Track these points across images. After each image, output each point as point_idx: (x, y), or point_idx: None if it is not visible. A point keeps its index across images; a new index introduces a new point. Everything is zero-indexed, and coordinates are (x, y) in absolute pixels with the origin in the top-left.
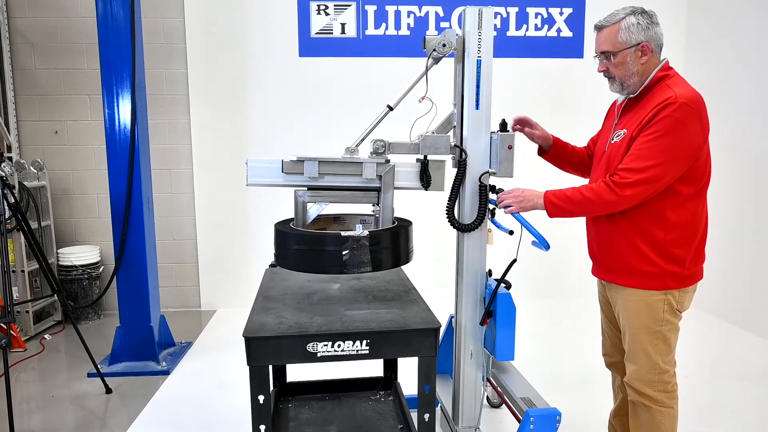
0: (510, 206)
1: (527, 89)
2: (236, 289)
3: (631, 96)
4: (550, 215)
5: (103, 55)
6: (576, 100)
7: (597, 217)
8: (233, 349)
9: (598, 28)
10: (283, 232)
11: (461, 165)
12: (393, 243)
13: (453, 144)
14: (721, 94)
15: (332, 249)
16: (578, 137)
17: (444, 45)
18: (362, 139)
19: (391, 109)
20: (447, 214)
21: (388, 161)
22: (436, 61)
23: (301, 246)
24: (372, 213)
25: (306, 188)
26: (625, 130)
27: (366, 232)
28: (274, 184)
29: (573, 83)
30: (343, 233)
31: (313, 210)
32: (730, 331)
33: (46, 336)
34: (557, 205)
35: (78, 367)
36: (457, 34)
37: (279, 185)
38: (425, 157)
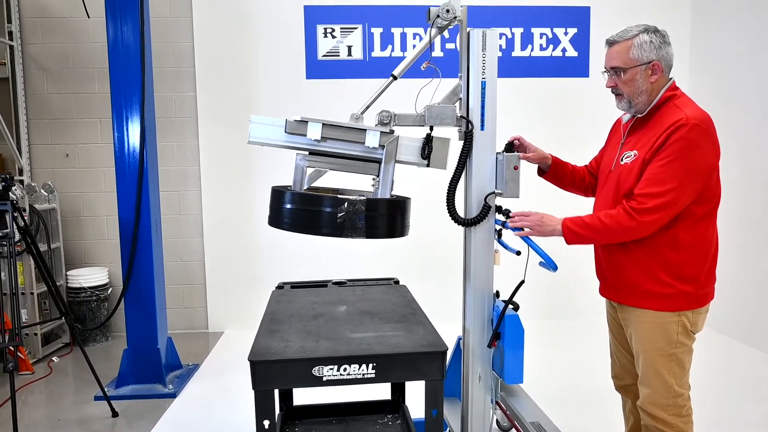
0: (527, 230)
1: (533, 109)
2: (244, 311)
3: (639, 115)
4: (568, 242)
5: (113, 79)
6: (582, 119)
7: None
8: (240, 372)
9: (610, 43)
10: (280, 191)
11: (468, 136)
12: (389, 212)
13: (459, 115)
14: (726, 112)
15: (328, 210)
16: (584, 156)
17: (448, 11)
18: (367, 107)
19: (395, 78)
20: (447, 204)
21: (392, 132)
22: (440, 30)
23: (297, 206)
24: (371, 187)
25: (307, 152)
26: (635, 151)
27: (363, 198)
28: (276, 143)
29: (579, 102)
30: (340, 196)
31: (308, 172)
32: (741, 351)
33: (54, 358)
34: (575, 232)
35: (85, 390)
36: (462, 5)
37: (280, 145)
38: (431, 128)
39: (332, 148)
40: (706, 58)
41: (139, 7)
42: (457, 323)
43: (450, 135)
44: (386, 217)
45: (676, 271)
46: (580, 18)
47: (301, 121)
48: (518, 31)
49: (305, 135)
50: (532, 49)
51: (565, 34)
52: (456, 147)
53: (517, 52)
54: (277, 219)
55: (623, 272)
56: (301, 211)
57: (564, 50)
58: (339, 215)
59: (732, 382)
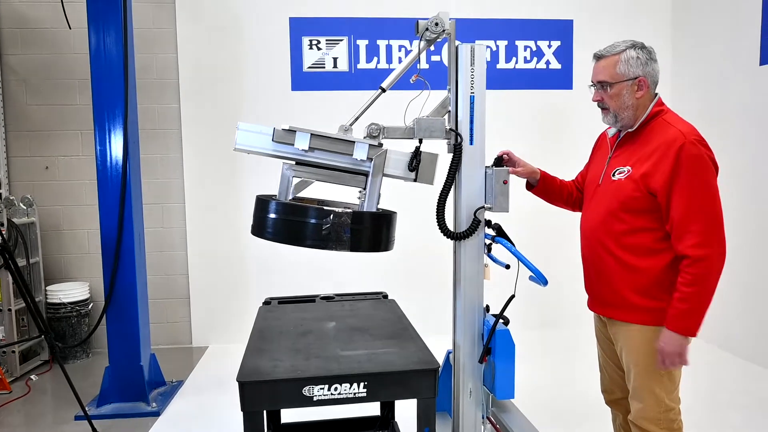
0: (677, 362)
1: (517, 121)
2: (228, 325)
3: (630, 130)
4: (696, 330)
5: (96, 91)
6: (565, 131)
7: (596, 252)
8: (226, 388)
9: (597, 57)
10: (264, 200)
11: (457, 149)
12: (374, 226)
13: (448, 128)
14: (708, 125)
15: (313, 222)
16: (568, 168)
17: (437, 24)
18: (356, 119)
19: (383, 90)
20: (437, 218)
21: (381, 145)
22: (429, 43)
23: (282, 215)
24: (357, 199)
25: (294, 162)
26: (628, 167)
27: (349, 210)
28: (262, 152)
29: (563, 114)
30: (325, 207)
31: (294, 182)
32: (728, 360)
33: (32, 377)
34: (691, 324)
35: (65, 410)
36: (450, 18)
37: (267, 154)
38: (420, 141)
39: (319, 159)
40: (687, 71)
41: (122, 18)
42: (442, 335)
43: (438, 148)
44: (372, 231)
45: (668, 285)
46: (563, 31)
47: (289, 130)
48: (502, 44)
49: (293, 144)
50: (516, 62)
51: (549, 46)
52: (444, 161)
53: (501, 64)
54: (260, 229)
55: (614, 287)
56: (285, 221)
57: (548, 63)
58: (324, 227)
59: (721, 393)
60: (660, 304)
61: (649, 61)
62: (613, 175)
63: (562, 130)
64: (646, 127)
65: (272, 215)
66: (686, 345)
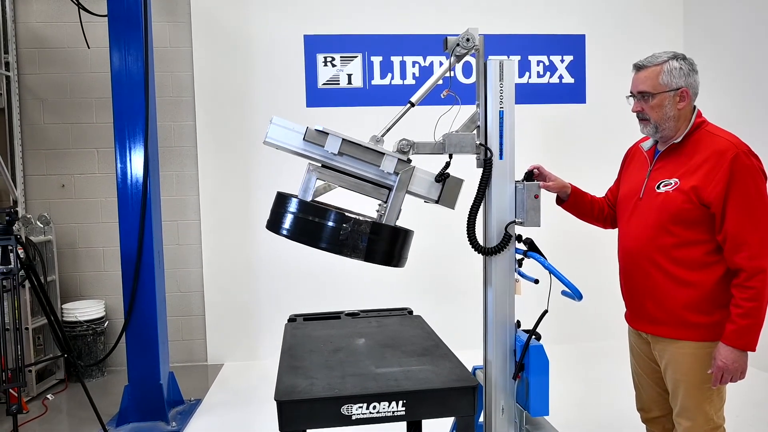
0: (737, 378)
1: (531, 135)
2: (243, 342)
3: (675, 142)
4: (756, 344)
5: (117, 109)
6: (579, 144)
7: (642, 268)
8: (244, 407)
9: (638, 67)
10: (285, 196)
11: (487, 164)
12: (391, 239)
13: (478, 143)
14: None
15: (332, 225)
16: (582, 182)
17: (468, 40)
18: (387, 130)
19: (412, 105)
20: (468, 233)
21: (409, 161)
22: (459, 58)
23: (301, 214)
24: (376, 212)
25: (320, 165)
26: (676, 179)
27: (369, 220)
28: (291, 149)
29: (576, 128)
30: (346, 213)
31: (316, 185)
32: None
33: (48, 396)
34: (752, 339)
35: (82, 430)
36: (479, 34)
37: (295, 152)
38: (450, 157)
39: (346, 165)
40: (701, 88)
41: (143, 37)
42: (462, 350)
43: (467, 163)
44: (388, 244)
45: (721, 299)
46: (575, 45)
47: (322, 131)
48: (515, 59)
49: (323, 146)
50: (529, 77)
51: (562, 61)
52: (474, 176)
53: (515, 79)
54: (276, 224)
55: (664, 304)
56: (303, 220)
57: (561, 77)
58: (342, 232)
59: (754, 410)
60: (712, 319)
61: (691, 72)
62: (658, 187)
63: (576, 144)
64: (691, 138)
65: (291, 212)
66: (746, 360)
